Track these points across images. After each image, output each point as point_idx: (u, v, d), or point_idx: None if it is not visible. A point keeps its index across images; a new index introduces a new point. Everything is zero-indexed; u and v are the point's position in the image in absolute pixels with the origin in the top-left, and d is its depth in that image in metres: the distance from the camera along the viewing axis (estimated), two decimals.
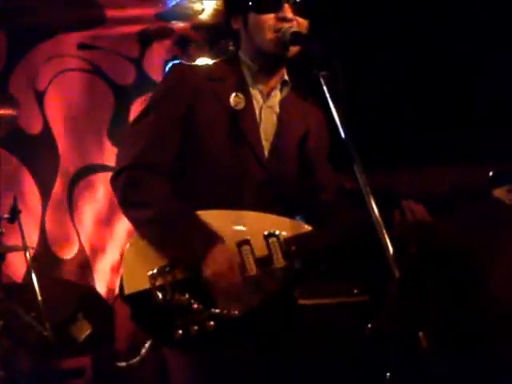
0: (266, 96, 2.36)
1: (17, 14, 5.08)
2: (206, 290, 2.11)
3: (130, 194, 2.20)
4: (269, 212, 2.24)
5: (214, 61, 2.44)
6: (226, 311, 2.12)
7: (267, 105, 2.36)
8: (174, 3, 5.15)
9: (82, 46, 5.56)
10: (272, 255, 2.17)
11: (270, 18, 2.24)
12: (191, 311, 2.10)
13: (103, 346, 4.63)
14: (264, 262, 2.16)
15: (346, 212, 2.35)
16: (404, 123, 4.19)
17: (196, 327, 2.09)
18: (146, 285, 2.13)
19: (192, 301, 2.11)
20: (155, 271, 2.13)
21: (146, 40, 5.75)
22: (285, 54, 2.26)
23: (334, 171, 2.52)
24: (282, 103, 2.39)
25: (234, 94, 2.30)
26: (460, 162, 3.66)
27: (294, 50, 2.26)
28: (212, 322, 2.10)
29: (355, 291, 3.87)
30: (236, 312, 2.12)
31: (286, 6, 2.24)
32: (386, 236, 1.78)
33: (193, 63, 2.38)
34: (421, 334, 1.79)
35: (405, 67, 4.17)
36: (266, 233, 2.18)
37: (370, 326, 3.33)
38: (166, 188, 2.21)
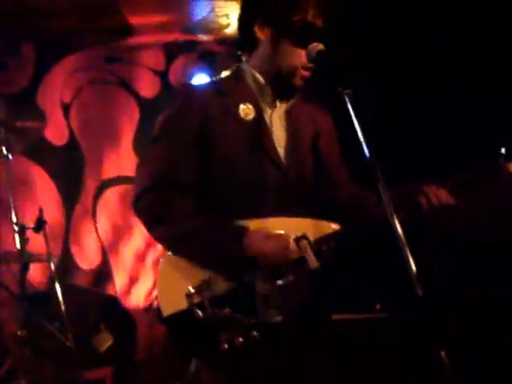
0: (273, 103, 2.40)
1: (45, 26, 5.15)
2: (246, 300, 2.11)
3: (154, 215, 2.23)
4: (292, 215, 2.25)
5: (218, 76, 2.48)
6: (267, 318, 2.11)
7: (276, 112, 2.40)
8: (200, 17, 5.19)
9: (108, 59, 5.62)
10: (305, 257, 2.16)
11: (303, 53, 2.26)
12: (234, 323, 2.09)
13: (124, 357, 4.63)
14: (298, 265, 2.16)
15: (367, 209, 2.36)
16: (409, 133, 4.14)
17: (241, 339, 2.08)
18: (184, 304, 2.12)
19: (233, 313, 2.10)
20: (192, 290, 2.12)
21: (171, 53, 5.79)
22: (302, 85, 2.32)
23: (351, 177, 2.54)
24: (289, 108, 2.43)
25: (242, 106, 2.33)
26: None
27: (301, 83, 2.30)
28: (255, 332, 2.08)
29: (377, 307, 3.84)
30: (278, 318, 2.11)
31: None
32: (409, 254, 1.78)
33: (198, 82, 2.42)
34: (442, 351, 1.79)
35: (406, 72, 4.14)
36: (294, 236, 2.17)
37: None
38: (189, 204, 2.23)
